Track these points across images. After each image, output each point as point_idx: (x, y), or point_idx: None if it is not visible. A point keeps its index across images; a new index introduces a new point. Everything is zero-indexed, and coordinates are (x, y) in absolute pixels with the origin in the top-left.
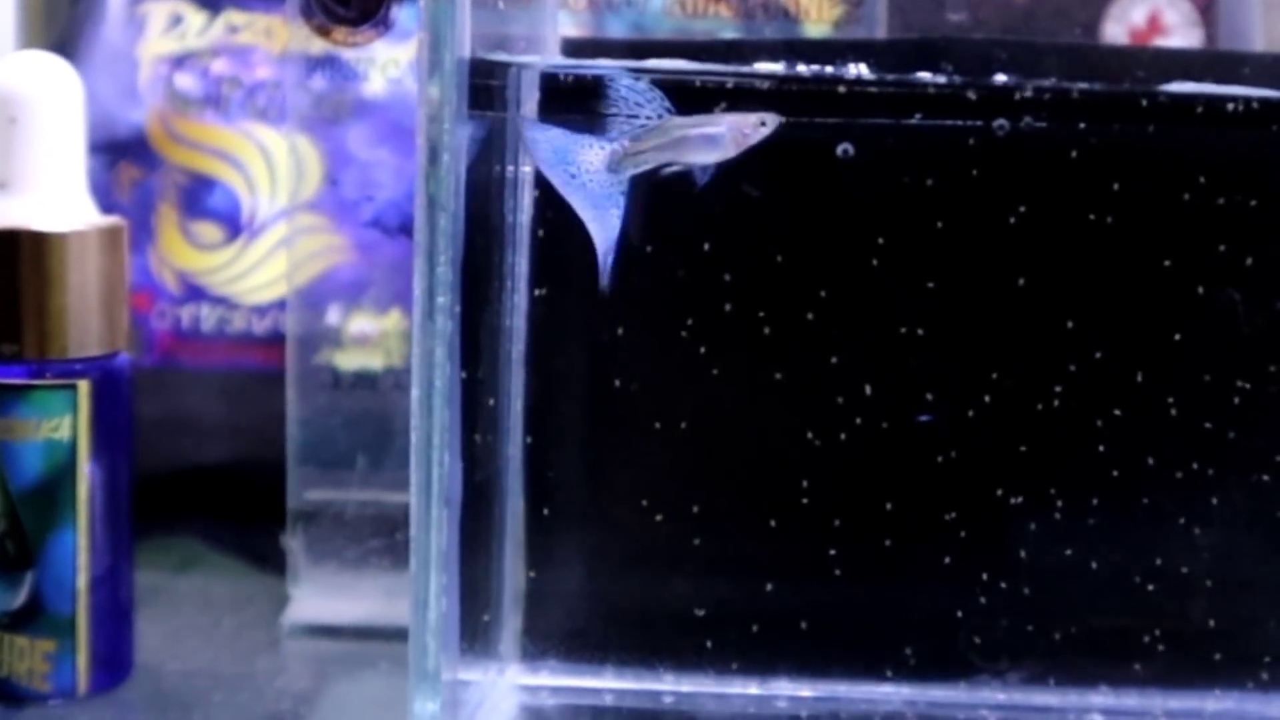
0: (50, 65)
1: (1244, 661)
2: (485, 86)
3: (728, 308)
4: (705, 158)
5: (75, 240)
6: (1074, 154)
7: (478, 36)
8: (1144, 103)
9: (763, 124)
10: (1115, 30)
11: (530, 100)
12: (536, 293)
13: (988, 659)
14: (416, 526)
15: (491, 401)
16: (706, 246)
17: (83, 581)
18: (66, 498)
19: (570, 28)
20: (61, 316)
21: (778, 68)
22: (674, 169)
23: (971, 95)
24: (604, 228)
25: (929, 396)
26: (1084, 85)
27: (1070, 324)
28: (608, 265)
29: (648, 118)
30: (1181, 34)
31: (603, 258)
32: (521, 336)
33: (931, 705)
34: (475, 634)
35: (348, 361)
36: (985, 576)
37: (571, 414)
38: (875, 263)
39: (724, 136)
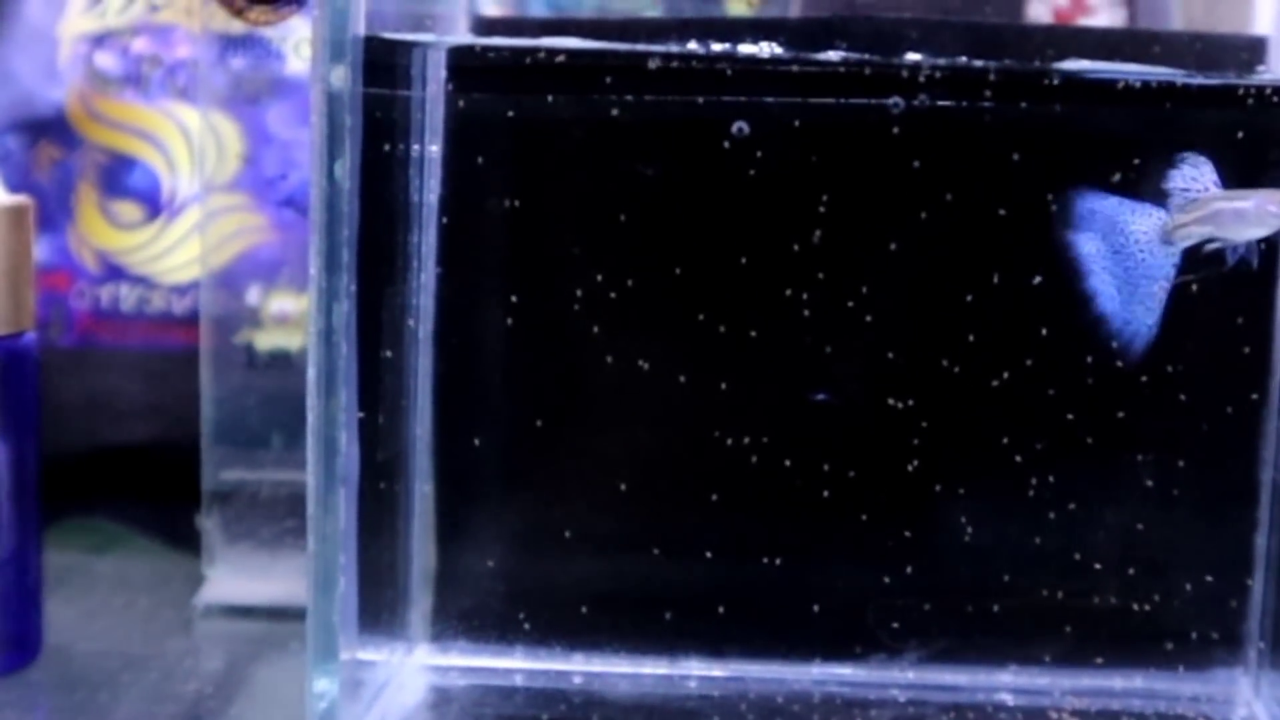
0: None
1: (1153, 640)
2: (390, 65)
3: (635, 286)
4: (1238, 233)
5: None
6: (973, 132)
7: (389, 15)
8: (1044, 81)
9: None
10: (1040, 10)
11: (435, 80)
12: (446, 270)
13: (896, 639)
14: (314, 505)
15: (396, 381)
16: (613, 224)
17: None
18: None
19: (492, 7)
20: None
21: (683, 47)
22: (1215, 245)
23: (871, 73)
24: (1147, 299)
25: (836, 376)
26: (981, 63)
27: (971, 303)
28: (1140, 337)
29: (1200, 190)
30: (1105, 14)
31: (1133, 329)
32: (429, 316)
33: (840, 684)
34: (381, 614)
35: (267, 341)
36: (893, 557)
37: (481, 394)
38: (782, 240)
39: (1250, 211)
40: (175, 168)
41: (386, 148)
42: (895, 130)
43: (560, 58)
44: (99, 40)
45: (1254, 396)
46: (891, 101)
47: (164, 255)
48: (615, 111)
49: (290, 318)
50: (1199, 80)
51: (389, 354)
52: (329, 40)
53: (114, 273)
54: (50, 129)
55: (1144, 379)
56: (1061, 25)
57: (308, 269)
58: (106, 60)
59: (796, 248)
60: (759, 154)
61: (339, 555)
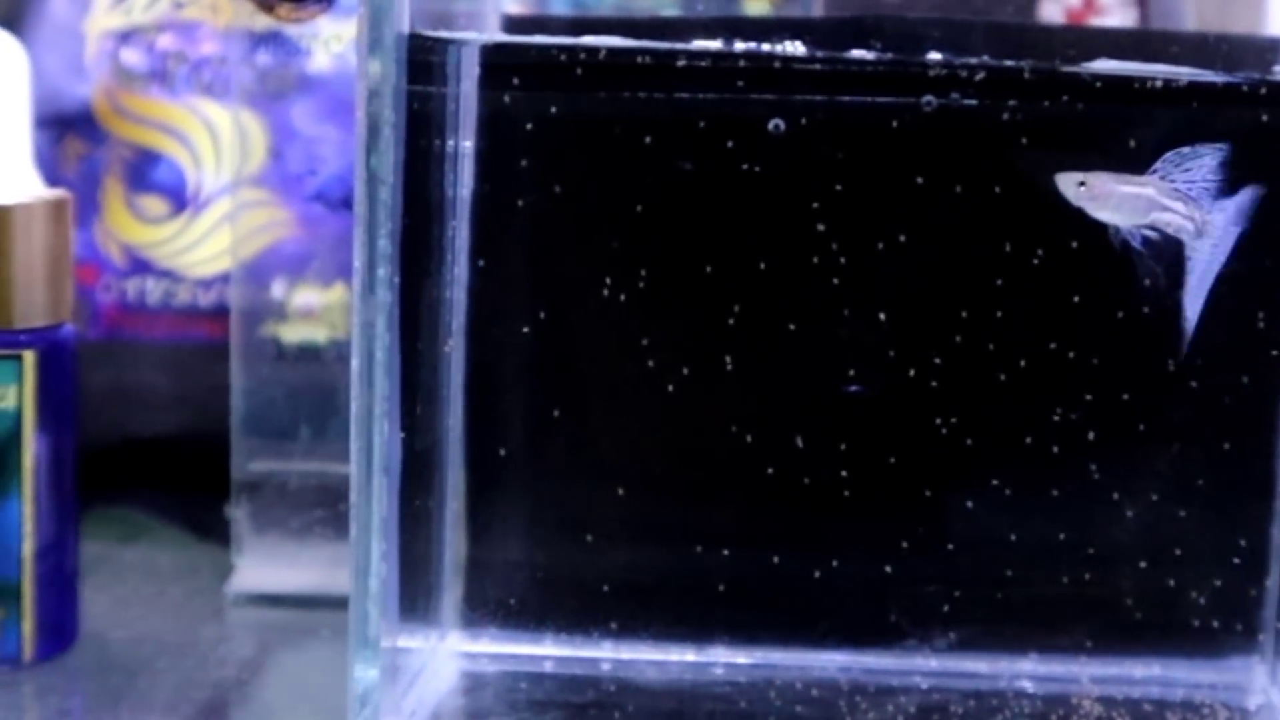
0: None
1: (1171, 629)
2: (425, 62)
3: (664, 280)
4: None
5: (21, 213)
6: (1002, 130)
7: (418, 12)
8: (1073, 81)
9: (1082, 183)
10: (1052, 10)
11: (469, 76)
12: (479, 264)
13: (920, 627)
14: (356, 495)
15: (431, 372)
16: (646, 220)
17: (28, 550)
18: (12, 467)
19: (514, 5)
20: (7, 288)
21: (715, 44)
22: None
23: (901, 72)
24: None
25: (860, 367)
26: (1011, 63)
27: (996, 297)
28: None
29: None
30: (1116, 14)
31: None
32: (462, 309)
33: (865, 672)
34: (416, 602)
35: (292, 334)
36: (917, 545)
37: (511, 385)
38: (809, 236)
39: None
40: (200, 163)
41: (423, 143)
42: (928, 128)
43: (602, 55)
44: (125, 36)
45: (1273, 389)
46: (924, 100)
47: (189, 249)
48: (646, 109)
49: (315, 311)
50: (1225, 79)
51: (426, 346)
52: (372, 38)
53: (140, 266)
54: (77, 124)
55: (1164, 371)
56: (1085, 26)
57: (333, 263)
58: (132, 56)
59: (827, 244)
60: (790, 151)
61: (381, 544)
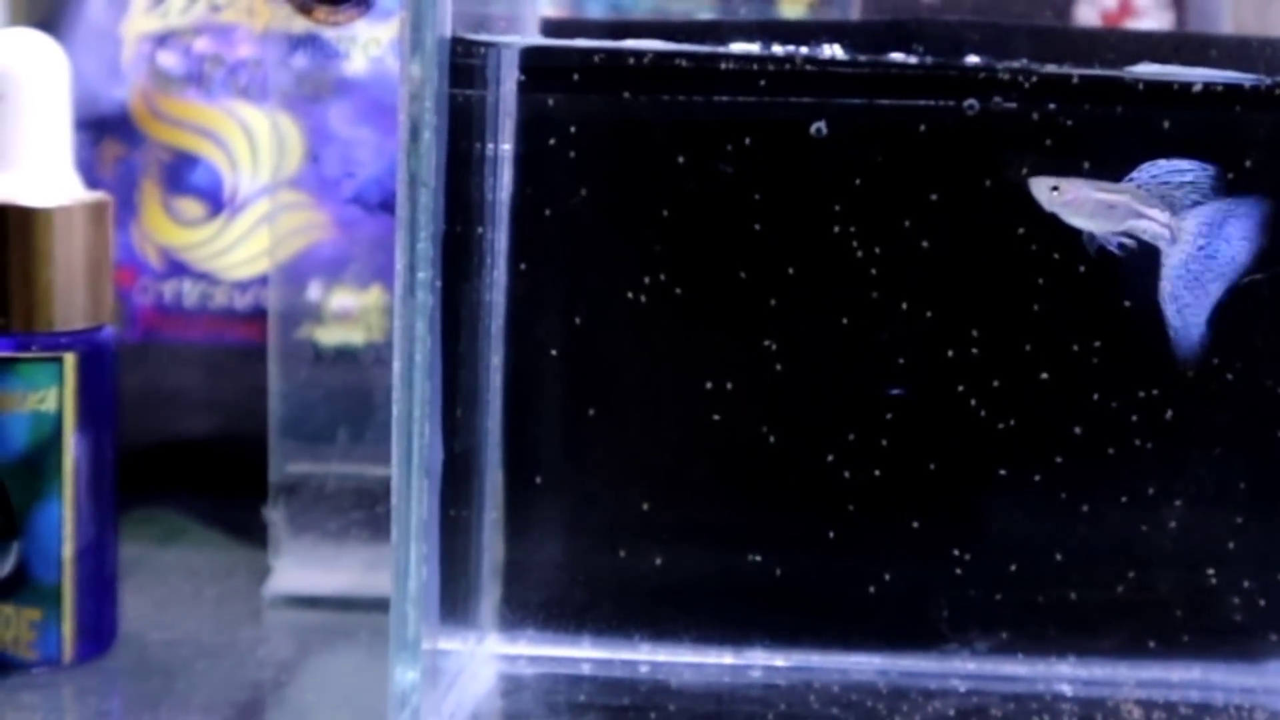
0: (38, 43)
1: (1210, 632)
2: (466, 65)
3: (704, 283)
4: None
5: (61, 216)
6: (1043, 133)
7: (458, 15)
8: (1114, 85)
9: (1055, 188)
10: (1088, 12)
11: (510, 79)
12: (519, 267)
13: (958, 630)
14: (397, 497)
15: (471, 375)
16: (684, 223)
17: (68, 551)
18: (52, 469)
19: (550, 8)
20: (48, 290)
21: (753, 48)
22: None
23: (943, 75)
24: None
25: (900, 370)
26: (1053, 68)
27: (1037, 300)
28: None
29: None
30: (1152, 16)
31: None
32: (501, 311)
33: (903, 675)
34: (455, 604)
35: (329, 337)
36: (956, 548)
37: (549, 387)
38: (848, 239)
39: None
40: (237, 165)
41: (463, 146)
42: (968, 131)
43: (646, 59)
44: (162, 40)
45: None
46: (967, 104)
47: (226, 252)
48: (686, 112)
49: (351, 314)
50: (1269, 82)
51: (465, 349)
52: (414, 41)
53: (177, 269)
54: (114, 127)
55: (1201, 374)
56: (1122, 29)
57: (369, 265)
58: (169, 59)
59: (866, 247)
60: (830, 154)
61: (422, 546)
